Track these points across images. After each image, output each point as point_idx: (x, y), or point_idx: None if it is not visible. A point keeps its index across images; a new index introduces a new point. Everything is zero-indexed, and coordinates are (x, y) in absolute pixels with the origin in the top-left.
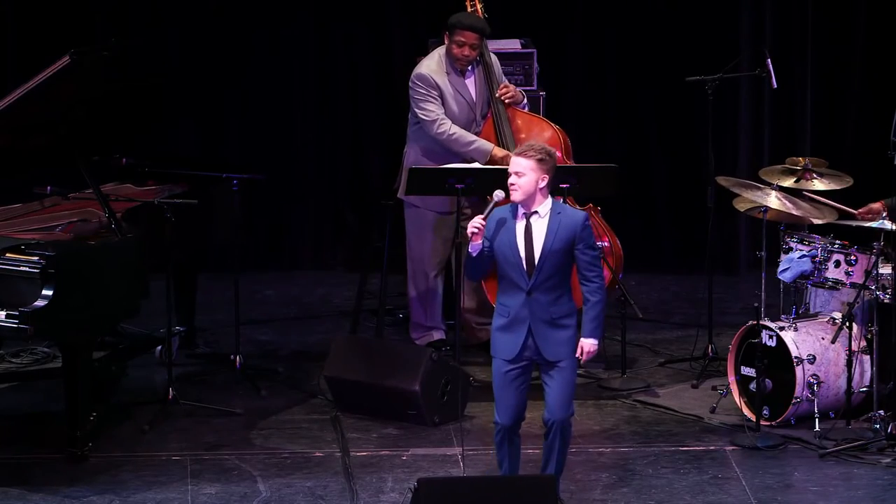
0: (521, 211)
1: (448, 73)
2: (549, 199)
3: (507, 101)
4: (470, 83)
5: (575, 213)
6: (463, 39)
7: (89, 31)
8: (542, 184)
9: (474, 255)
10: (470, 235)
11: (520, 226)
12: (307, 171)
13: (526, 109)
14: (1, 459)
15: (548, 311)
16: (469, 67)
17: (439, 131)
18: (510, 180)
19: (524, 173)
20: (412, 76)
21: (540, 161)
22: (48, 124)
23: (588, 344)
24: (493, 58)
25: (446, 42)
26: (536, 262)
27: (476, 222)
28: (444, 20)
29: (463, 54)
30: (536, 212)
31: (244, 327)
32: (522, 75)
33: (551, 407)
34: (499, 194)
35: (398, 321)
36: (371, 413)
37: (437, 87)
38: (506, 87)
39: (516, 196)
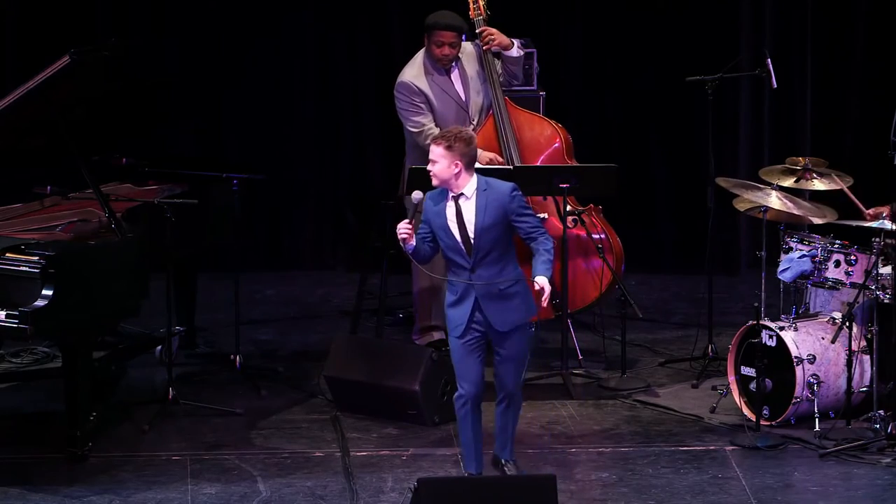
0: (449, 195)
1: (431, 74)
2: (474, 179)
3: (494, 47)
4: (455, 78)
5: (501, 186)
6: (442, 39)
7: (89, 31)
8: (456, 169)
9: (410, 252)
10: (401, 241)
11: (450, 209)
12: (307, 172)
13: (517, 54)
14: (1, 459)
15: (494, 283)
16: (452, 64)
17: (427, 142)
18: (428, 167)
19: (436, 160)
20: (395, 86)
21: (448, 148)
22: (48, 124)
23: (541, 280)
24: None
25: (426, 43)
26: (472, 241)
27: (402, 228)
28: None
29: (443, 54)
30: (462, 194)
31: (244, 327)
32: (522, 75)
33: (503, 380)
34: (416, 195)
35: (398, 321)
36: (371, 413)
37: (421, 93)
38: (488, 32)
39: (433, 182)
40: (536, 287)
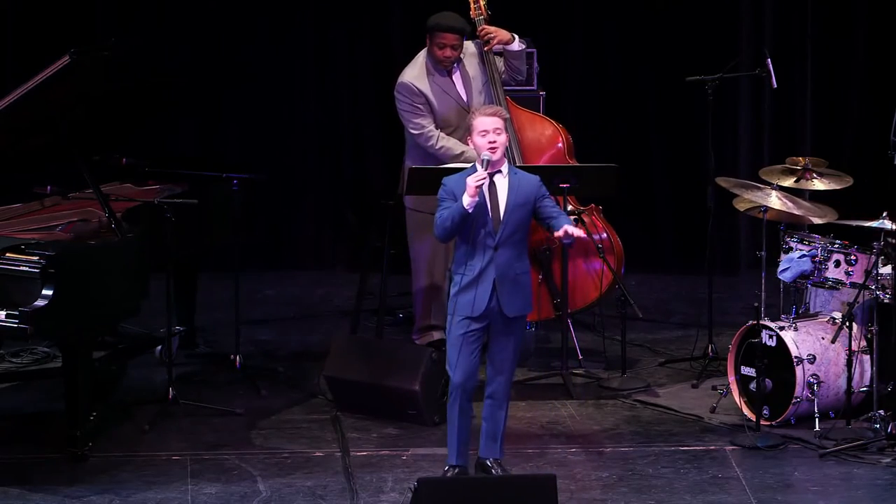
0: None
1: (432, 75)
2: (506, 159)
3: (495, 45)
4: (456, 79)
5: (528, 175)
6: (444, 41)
7: (89, 31)
8: (508, 141)
9: (471, 210)
10: (475, 189)
11: (485, 184)
12: (307, 172)
13: (518, 47)
14: (1, 459)
15: (512, 266)
16: (454, 65)
17: (428, 144)
18: (489, 138)
19: (502, 131)
20: (396, 86)
21: (508, 120)
22: (48, 124)
23: (568, 227)
24: (493, 57)
25: (427, 44)
26: (502, 216)
27: (483, 174)
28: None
29: (445, 55)
30: (500, 170)
31: (244, 327)
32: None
33: (500, 367)
34: (486, 154)
35: (398, 321)
36: (371, 413)
37: (422, 94)
38: (485, 30)
39: (499, 153)
40: (560, 230)
